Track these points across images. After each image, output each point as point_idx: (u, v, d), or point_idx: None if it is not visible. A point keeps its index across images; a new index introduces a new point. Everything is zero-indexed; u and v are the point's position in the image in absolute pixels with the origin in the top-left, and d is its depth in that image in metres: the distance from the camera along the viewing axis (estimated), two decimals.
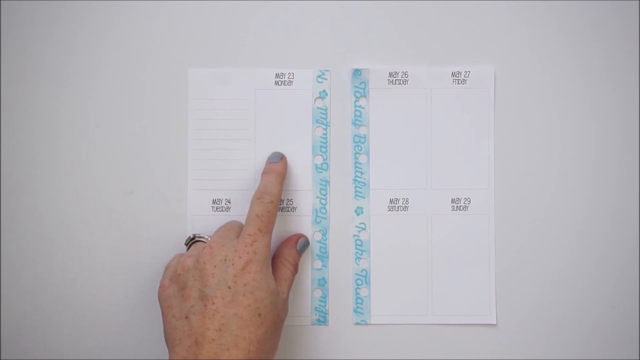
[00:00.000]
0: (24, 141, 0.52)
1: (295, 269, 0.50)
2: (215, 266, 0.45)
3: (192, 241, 0.50)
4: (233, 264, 0.45)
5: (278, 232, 0.52)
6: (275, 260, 0.50)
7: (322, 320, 0.52)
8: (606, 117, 0.52)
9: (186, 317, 0.44)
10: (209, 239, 0.50)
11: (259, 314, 0.44)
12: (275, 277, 0.48)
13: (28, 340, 0.52)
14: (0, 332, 0.52)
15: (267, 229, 0.47)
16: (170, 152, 0.52)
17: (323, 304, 0.52)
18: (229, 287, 0.44)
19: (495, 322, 0.52)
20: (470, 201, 0.52)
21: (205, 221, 0.52)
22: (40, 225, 0.52)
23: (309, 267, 0.52)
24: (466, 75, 0.52)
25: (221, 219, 0.52)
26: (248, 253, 0.45)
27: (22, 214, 0.52)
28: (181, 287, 0.46)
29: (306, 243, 0.52)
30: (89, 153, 0.52)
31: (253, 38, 0.53)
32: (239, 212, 0.52)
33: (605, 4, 0.52)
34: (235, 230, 0.48)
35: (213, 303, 0.44)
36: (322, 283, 0.52)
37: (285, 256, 0.50)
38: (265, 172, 0.51)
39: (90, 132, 0.52)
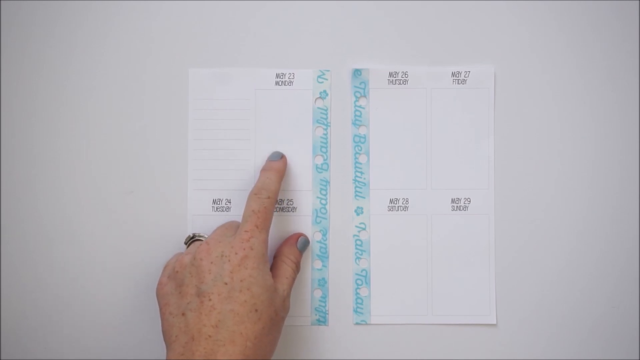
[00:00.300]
0: (24, 141, 0.52)
1: (297, 267, 0.50)
2: (211, 262, 0.45)
3: (191, 240, 0.50)
4: (229, 260, 0.45)
5: (278, 233, 0.52)
6: (276, 258, 0.50)
7: (322, 320, 0.52)
8: (606, 117, 0.52)
9: (183, 314, 0.44)
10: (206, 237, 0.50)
11: (256, 310, 0.44)
12: (275, 275, 0.48)
13: (28, 340, 0.52)
14: (0, 332, 0.52)
15: (264, 225, 0.47)
16: (170, 152, 0.52)
17: (323, 304, 0.52)
18: (225, 283, 0.44)
19: (495, 322, 0.52)
20: (470, 201, 0.52)
21: (205, 221, 0.52)
22: (41, 225, 0.52)
23: (309, 267, 0.52)
24: (466, 75, 0.52)
25: (221, 219, 0.52)
26: (244, 249, 0.45)
27: (22, 214, 0.52)
28: (178, 284, 0.46)
29: (306, 242, 0.52)
30: (89, 153, 0.52)
31: (253, 38, 0.53)
32: (240, 212, 0.51)
33: (605, 4, 0.52)
34: (233, 229, 0.48)
35: (209, 299, 0.44)
36: (322, 283, 0.52)
37: (286, 254, 0.50)
38: (264, 169, 0.51)
39: (90, 132, 0.52)
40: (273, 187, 0.49)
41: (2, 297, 0.52)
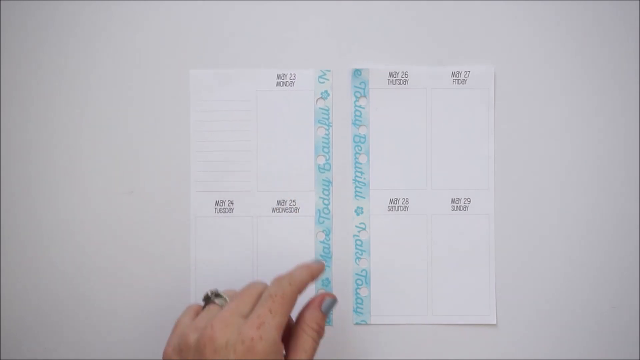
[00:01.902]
0: (24, 142, 0.52)
1: (320, 334, 0.46)
2: (215, 351, 0.41)
3: (208, 300, 0.46)
4: (235, 350, 0.41)
5: (282, 233, 0.52)
6: (296, 325, 0.46)
7: (327, 321, 0.52)
8: (606, 116, 0.52)
9: None
10: (226, 299, 0.46)
11: None
12: (293, 347, 0.44)
13: (28, 341, 0.52)
14: (0, 332, 0.52)
15: (279, 310, 0.43)
16: (172, 154, 0.53)
17: None
18: None
19: (495, 322, 0.52)
20: (470, 201, 0.52)
21: (208, 223, 0.52)
22: (40, 226, 0.52)
23: None
24: (466, 75, 0.52)
25: (224, 220, 0.52)
26: (253, 339, 0.41)
27: (22, 215, 0.52)
28: None
29: (332, 302, 0.47)
30: (90, 155, 0.52)
31: (254, 39, 0.53)
32: (242, 213, 0.52)
33: (605, 3, 0.52)
34: (253, 298, 0.45)
35: None
36: (326, 283, 0.52)
37: (307, 322, 0.45)
38: (299, 266, 0.47)
39: (91, 134, 0.52)
40: (299, 277, 0.45)
41: (2, 298, 0.52)
